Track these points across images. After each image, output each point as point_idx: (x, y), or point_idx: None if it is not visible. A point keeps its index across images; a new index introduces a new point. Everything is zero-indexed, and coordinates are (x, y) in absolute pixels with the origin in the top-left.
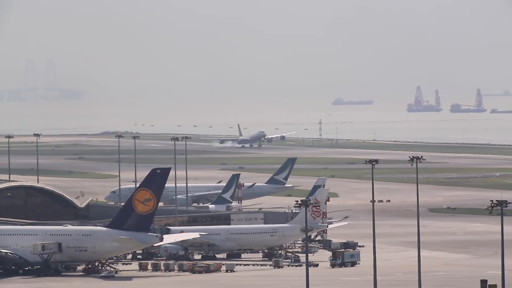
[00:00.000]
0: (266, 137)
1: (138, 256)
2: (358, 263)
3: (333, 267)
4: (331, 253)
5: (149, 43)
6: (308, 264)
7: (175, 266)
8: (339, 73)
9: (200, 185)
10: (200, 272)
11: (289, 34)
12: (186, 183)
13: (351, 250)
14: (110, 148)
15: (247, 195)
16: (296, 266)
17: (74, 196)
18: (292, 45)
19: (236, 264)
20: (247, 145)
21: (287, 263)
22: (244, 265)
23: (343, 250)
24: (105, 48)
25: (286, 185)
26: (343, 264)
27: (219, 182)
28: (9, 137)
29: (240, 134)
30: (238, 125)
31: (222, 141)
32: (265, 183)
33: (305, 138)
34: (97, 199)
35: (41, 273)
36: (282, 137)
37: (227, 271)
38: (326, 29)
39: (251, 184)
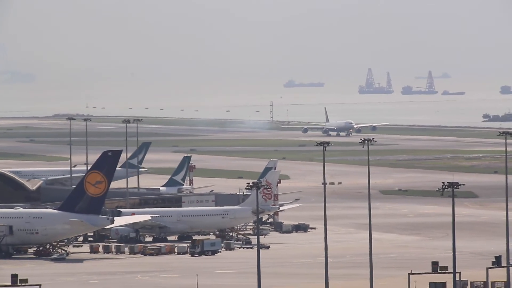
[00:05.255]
0: (355, 127)
1: (89, 239)
2: (220, 252)
3: (192, 255)
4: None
5: (103, 23)
6: (260, 246)
7: (126, 248)
8: (291, 55)
9: (55, 169)
10: (151, 254)
11: (240, 17)
12: (138, 165)
13: (210, 238)
14: (62, 130)
15: None
16: (247, 248)
17: (25, 179)
18: (243, 28)
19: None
20: (333, 134)
21: (238, 245)
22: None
23: (202, 238)
24: (58, 30)
25: (141, 169)
26: (202, 253)
27: (75, 166)
28: None
29: (327, 120)
30: (325, 109)
31: (305, 130)
32: (119, 167)
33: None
34: None
35: None
36: (373, 128)
37: (178, 253)
38: (278, 12)
39: None
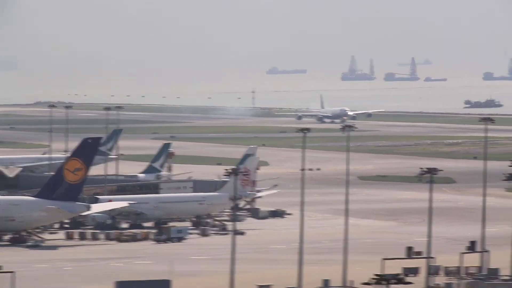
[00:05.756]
0: (350, 114)
1: (65, 226)
2: (186, 239)
3: (158, 242)
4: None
5: (86, 9)
6: (235, 232)
7: (102, 235)
8: (273, 42)
9: (25, 156)
10: (126, 241)
11: (224, 3)
12: (118, 154)
13: (177, 225)
14: (43, 118)
15: None
16: (222, 234)
17: (3, 166)
18: (226, 15)
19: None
20: (328, 121)
21: (214, 232)
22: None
23: (169, 226)
24: (41, 17)
25: (110, 156)
26: (169, 240)
27: (44, 153)
28: None
29: (322, 107)
30: (321, 95)
31: (299, 117)
32: None
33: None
34: None
35: None
36: (369, 115)
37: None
38: None
39: None
